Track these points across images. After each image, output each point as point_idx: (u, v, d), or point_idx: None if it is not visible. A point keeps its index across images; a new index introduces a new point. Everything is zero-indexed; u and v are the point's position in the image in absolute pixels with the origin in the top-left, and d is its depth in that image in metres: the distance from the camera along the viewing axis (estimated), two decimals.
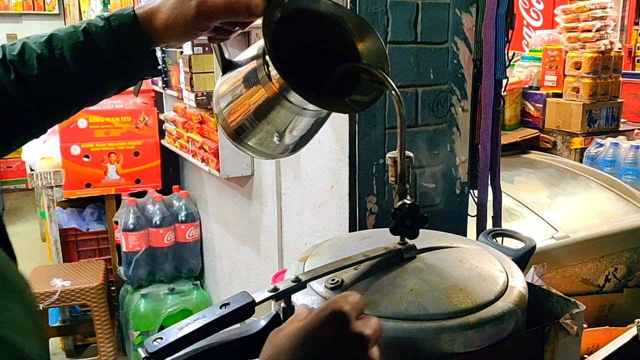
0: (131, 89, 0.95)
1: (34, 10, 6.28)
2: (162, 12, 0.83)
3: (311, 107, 0.78)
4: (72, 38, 0.84)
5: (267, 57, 0.75)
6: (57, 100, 0.87)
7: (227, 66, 0.87)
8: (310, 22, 0.81)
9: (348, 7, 1.38)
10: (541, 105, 3.06)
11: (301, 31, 0.82)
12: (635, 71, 4.96)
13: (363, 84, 0.81)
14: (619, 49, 3.07)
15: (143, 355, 0.69)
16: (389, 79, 0.78)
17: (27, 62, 0.82)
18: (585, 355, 1.46)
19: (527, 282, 0.90)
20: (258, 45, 0.80)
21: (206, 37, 0.87)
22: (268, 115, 0.80)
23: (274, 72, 0.76)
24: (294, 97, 0.76)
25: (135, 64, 0.86)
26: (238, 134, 0.84)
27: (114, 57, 0.84)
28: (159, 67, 0.90)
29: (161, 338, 0.71)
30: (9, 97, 0.82)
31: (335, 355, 0.59)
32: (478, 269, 0.89)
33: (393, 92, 0.78)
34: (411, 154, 0.85)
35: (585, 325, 1.62)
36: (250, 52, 0.82)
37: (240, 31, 0.88)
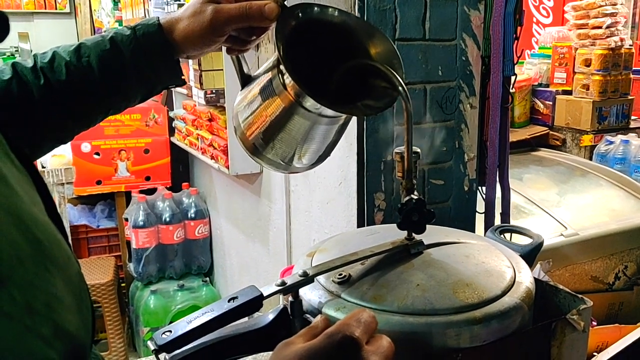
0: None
1: (45, 9, 6.32)
2: (181, 21, 0.85)
3: (327, 112, 0.79)
4: (99, 46, 0.86)
5: (281, 67, 0.77)
6: (83, 106, 0.89)
7: (246, 80, 0.88)
8: (323, 32, 0.82)
9: (356, 5, 1.38)
10: (551, 103, 3.05)
11: (314, 42, 0.83)
12: None
13: (376, 91, 0.82)
14: (630, 45, 3.05)
15: (152, 347, 0.70)
16: (396, 75, 0.79)
17: (56, 69, 0.85)
18: (595, 353, 1.45)
19: (535, 278, 0.90)
20: (273, 57, 0.81)
21: (225, 48, 0.89)
22: (285, 126, 0.81)
23: (288, 80, 0.77)
24: (308, 102, 0.77)
25: (157, 72, 0.88)
26: (256, 147, 0.85)
27: (136, 64, 0.86)
28: (182, 77, 0.92)
29: (170, 331, 0.71)
30: (37, 103, 0.84)
31: None
32: (485, 265, 0.89)
33: (400, 87, 0.78)
34: (418, 150, 0.85)
35: (594, 323, 1.62)
36: (266, 65, 0.84)
37: (257, 41, 0.89)
